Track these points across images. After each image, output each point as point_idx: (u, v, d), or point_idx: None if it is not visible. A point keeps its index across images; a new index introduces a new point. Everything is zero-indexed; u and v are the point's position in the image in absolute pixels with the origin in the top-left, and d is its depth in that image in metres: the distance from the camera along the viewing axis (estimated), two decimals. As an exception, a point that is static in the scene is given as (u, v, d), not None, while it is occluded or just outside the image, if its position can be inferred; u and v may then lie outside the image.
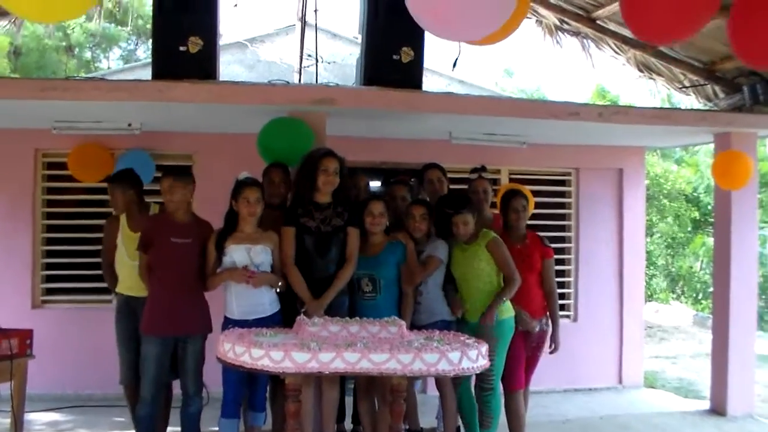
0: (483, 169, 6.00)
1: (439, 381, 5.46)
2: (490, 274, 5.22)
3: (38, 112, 6.09)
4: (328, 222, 5.05)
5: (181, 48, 5.54)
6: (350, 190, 5.34)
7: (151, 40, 6.17)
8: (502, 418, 5.40)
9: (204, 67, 5.63)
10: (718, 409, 7.08)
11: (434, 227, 5.54)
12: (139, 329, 5.01)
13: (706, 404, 7.39)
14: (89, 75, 15.26)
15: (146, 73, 6.10)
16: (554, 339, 5.58)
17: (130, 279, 5.24)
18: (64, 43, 20.73)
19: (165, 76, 5.55)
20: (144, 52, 23.55)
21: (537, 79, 34.33)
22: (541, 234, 5.77)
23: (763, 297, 14.39)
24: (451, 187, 6.16)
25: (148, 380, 4.91)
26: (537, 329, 5.44)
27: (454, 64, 3.51)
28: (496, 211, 6.44)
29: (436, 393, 5.56)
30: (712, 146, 7.43)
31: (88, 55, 22.71)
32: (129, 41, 24.00)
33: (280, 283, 4.94)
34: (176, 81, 5.50)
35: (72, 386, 6.86)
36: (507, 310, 5.19)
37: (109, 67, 21.56)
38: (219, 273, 4.87)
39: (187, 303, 4.93)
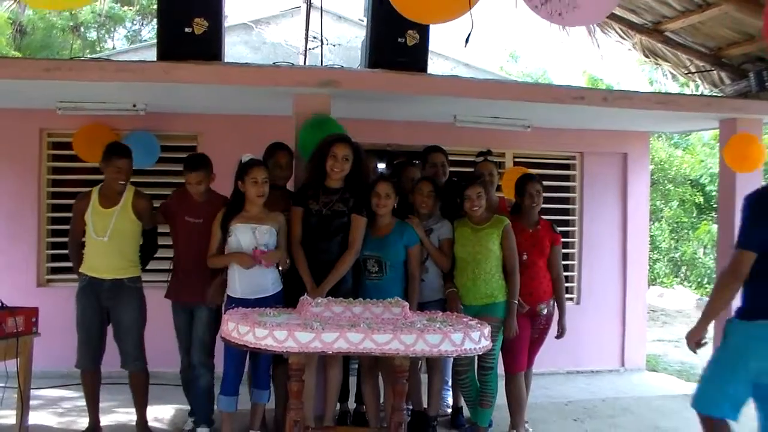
0: (489, 152, 6.03)
1: (429, 361, 5.57)
2: (499, 258, 5.28)
3: (43, 93, 6.10)
4: (330, 206, 5.08)
5: (187, 29, 5.52)
6: (367, 178, 5.32)
7: (156, 21, 6.16)
8: (501, 399, 5.46)
9: (209, 48, 5.61)
10: (718, 393, 7.07)
11: (440, 210, 5.60)
12: (100, 312, 5.12)
13: (707, 388, 7.40)
14: (94, 55, 15.24)
15: (151, 54, 6.10)
16: (561, 324, 5.64)
17: (95, 259, 5.13)
18: (71, 23, 20.65)
19: (170, 57, 5.53)
20: (149, 32, 23.48)
21: (543, 63, 34.14)
22: (547, 218, 5.79)
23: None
24: (456, 169, 6.19)
25: (181, 349, 5.26)
26: (545, 312, 5.49)
27: (467, 40, 3.47)
28: (502, 195, 6.50)
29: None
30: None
31: (93, 35, 22.62)
32: (134, 21, 23.92)
33: (287, 262, 5.00)
34: (181, 62, 5.48)
35: (71, 364, 6.89)
36: (503, 293, 5.25)
37: (114, 48, 21.52)
38: (225, 255, 4.93)
39: (199, 276, 5.07)
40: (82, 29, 21.48)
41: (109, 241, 5.05)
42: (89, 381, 5.24)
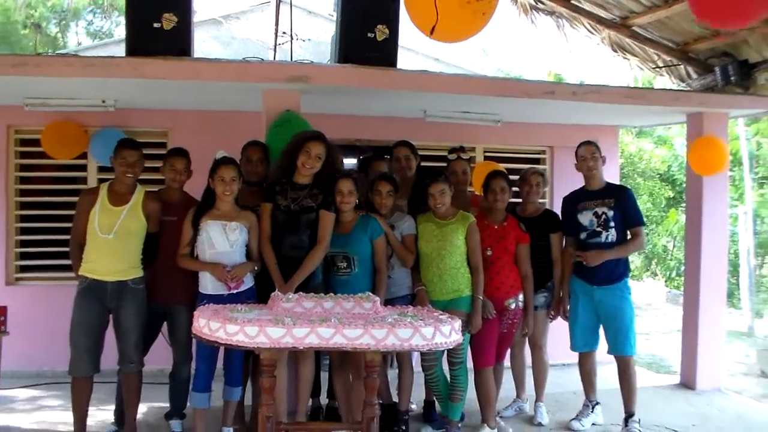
0: (461, 149, 6.06)
1: (399, 355, 5.61)
2: (464, 253, 5.31)
3: (9, 89, 6.02)
4: (299, 202, 5.07)
5: (155, 24, 5.46)
6: (335, 176, 5.26)
7: (120, 16, 6.12)
8: (473, 393, 5.52)
9: (178, 43, 5.55)
10: (687, 384, 7.23)
11: (409, 204, 5.62)
12: (103, 315, 4.95)
13: (676, 379, 7.53)
14: (61, 51, 15.10)
15: (120, 50, 6.07)
16: (526, 324, 5.72)
17: (98, 260, 4.92)
18: (30, 20, 20.44)
19: (139, 53, 5.47)
20: (109, 25, 23.25)
21: (514, 58, 34.28)
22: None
23: (734, 274, 14.57)
24: (425, 164, 6.19)
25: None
26: (512, 307, 5.52)
27: (432, 30, 3.51)
28: (473, 190, 6.52)
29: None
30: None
31: (53, 29, 22.34)
32: (94, 14, 23.61)
33: (256, 267, 5.01)
34: (150, 58, 5.43)
35: (48, 363, 6.83)
36: (470, 287, 5.30)
37: (79, 43, 21.33)
38: (199, 262, 4.94)
39: (173, 276, 5.04)
40: (44, 24, 21.23)
41: (114, 240, 4.87)
42: (83, 389, 4.98)
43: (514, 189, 5.86)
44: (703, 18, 4.45)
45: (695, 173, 7.09)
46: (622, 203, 5.69)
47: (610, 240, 5.67)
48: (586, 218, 5.76)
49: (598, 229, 5.69)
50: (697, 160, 6.96)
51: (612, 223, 5.66)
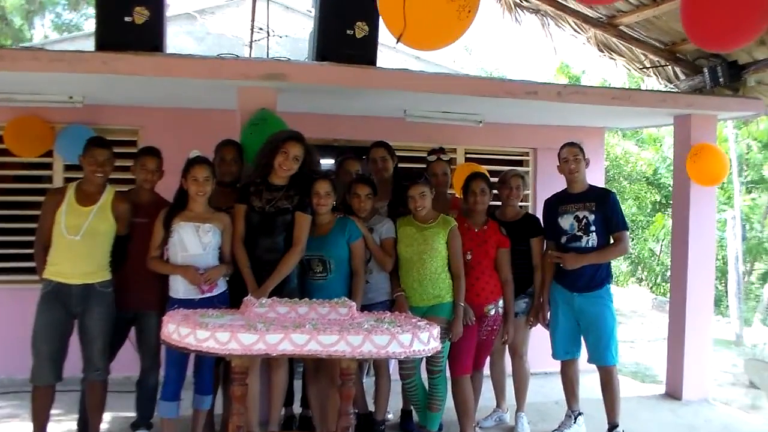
0: (441, 150, 6.00)
1: (376, 362, 5.56)
2: (445, 258, 5.21)
3: (-27, 83, 5.84)
4: (274, 203, 4.96)
5: (126, 18, 5.36)
6: (312, 177, 5.16)
7: (93, 9, 5.98)
8: (450, 403, 5.41)
9: (150, 38, 5.45)
10: (673, 394, 7.13)
11: (389, 207, 5.53)
12: (67, 321, 4.77)
13: (661, 389, 7.44)
14: (27, 44, 14.89)
15: (89, 44, 5.92)
16: (506, 330, 5.62)
17: (64, 262, 4.76)
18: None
19: (109, 48, 5.34)
20: (77, 18, 23.03)
21: (497, 57, 34.39)
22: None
23: (722, 281, 14.54)
24: (404, 165, 6.12)
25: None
26: (492, 313, 5.42)
27: (398, 40, 3.40)
28: (453, 192, 6.41)
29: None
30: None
31: (18, 21, 22.03)
32: (64, 7, 23.40)
33: (229, 271, 4.93)
34: (121, 53, 5.29)
35: (5, 371, 6.63)
36: (451, 293, 5.19)
37: (46, 36, 21.14)
38: (170, 265, 4.82)
39: (143, 280, 4.91)
40: (10, 16, 20.98)
41: (81, 241, 4.71)
42: (44, 398, 4.81)
43: (494, 192, 5.75)
44: (699, 42, 4.36)
45: (683, 177, 7.01)
46: (604, 207, 5.59)
47: (590, 245, 5.57)
48: (566, 222, 5.66)
49: (579, 233, 5.60)
50: (698, 173, 6.90)
51: (593, 228, 5.56)
